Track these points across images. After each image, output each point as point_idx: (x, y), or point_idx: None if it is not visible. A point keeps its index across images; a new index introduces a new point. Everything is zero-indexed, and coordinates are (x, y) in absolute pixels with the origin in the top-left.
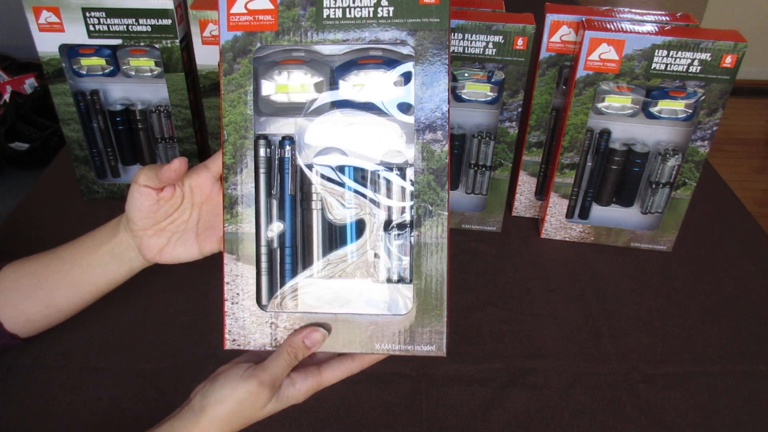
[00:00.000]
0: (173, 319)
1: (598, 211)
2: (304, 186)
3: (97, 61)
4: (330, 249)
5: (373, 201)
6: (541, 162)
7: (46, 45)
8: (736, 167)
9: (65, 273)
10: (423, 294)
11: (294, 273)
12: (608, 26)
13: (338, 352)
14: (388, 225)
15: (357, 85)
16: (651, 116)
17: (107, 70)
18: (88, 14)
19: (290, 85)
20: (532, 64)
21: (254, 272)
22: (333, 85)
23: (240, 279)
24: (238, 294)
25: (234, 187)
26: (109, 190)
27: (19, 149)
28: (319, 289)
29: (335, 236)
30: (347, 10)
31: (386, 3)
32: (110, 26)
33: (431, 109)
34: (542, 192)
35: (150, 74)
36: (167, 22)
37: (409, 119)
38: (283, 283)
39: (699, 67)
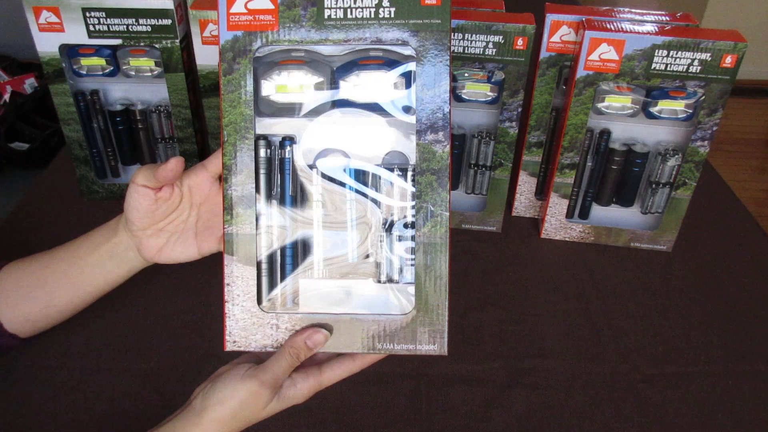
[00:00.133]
0: (173, 319)
1: (598, 211)
2: (304, 187)
3: (97, 61)
4: (331, 249)
5: (374, 201)
6: (541, 162)
7: (46, 45)
8: (736, 167)
9: (64, 273)
10: (424, 293)
11: (295, 274)
12: (608, 26)
13: (340, 352)
14: (389, 225)
15: (358, 86)
16: (651, 116)
17: (107, 70)
18: (88, 14)
19: (290, 85)
20: (532, 64)
21: (255, 273)
22: (333, 85)
23: (240, 280)
24: (238, 295)
25: (234, 188)
26: (109, 190)
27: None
28: (321, 290)
29: (336, 237)
30: (348, 10)
31: (387, 4)
32: (110, 26)
33: (432, 110)
34: (542, 192)
35: (150, 74)
36: (167, 22)
37: (411, 120)
38: (284, 284)
39: (699, 67)
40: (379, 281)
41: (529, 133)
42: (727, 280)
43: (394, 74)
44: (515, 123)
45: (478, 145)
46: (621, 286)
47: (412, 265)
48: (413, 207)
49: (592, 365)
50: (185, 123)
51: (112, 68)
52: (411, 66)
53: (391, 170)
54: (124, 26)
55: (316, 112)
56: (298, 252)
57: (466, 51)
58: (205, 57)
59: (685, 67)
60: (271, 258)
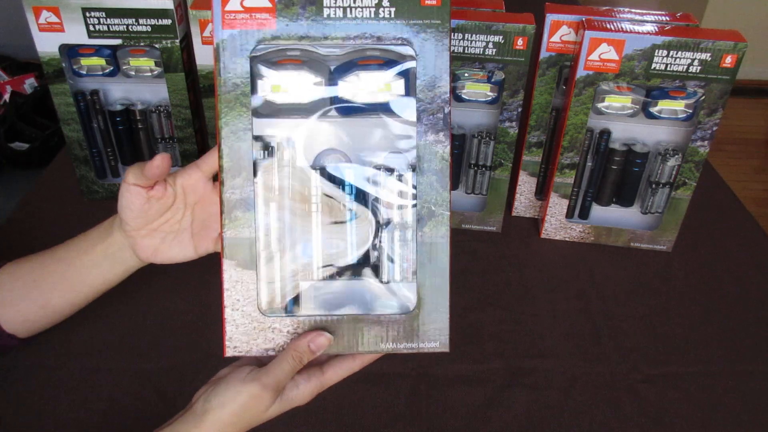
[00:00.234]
0: (173, 319)
1: (598, 211)
2: (303, 188)
3: (97, 61)
4: (331, 251)
5: (374, 202)
6: (541, 162)
7: (46, 45)
8: (736, 167)
9: (61, 273)
10: (426, 293)
11: (295, 277)
12: (608, 26)
13: (344, 353)
14: (389, 225)
15: (357, 86)
16: (651, 116)
17: (107, 70)
18: (88, 14)
19: (288, 85)
20: (532, 64)
21: (254, 277)
22: (332, 85)
23: (240, 285)
24: (238, 300)
25: (232, 191)
26: (109, 190)
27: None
28: (322, 292)
29: (336, 238)
30: (348, 9)
31: (387, 3)
32: (110, 26)
33: (433, 111)
34: (542, 192)
35: (150, 74)
36: (167, 22)
37: (411, 120)
38: (284, 288)
39: (699, 67)
40: (381, 281)
41: (529, 133)
42: (727, 280)
43: (394, 74)
44: (515, 123)
45: (478, 145)
46: (621, 286)
47: (413, 265)
48: (413, 207)
49: (592, 365)
50: (185, 123)
51: (112, 68)
52: (411, 66)
53: (392, 170)
54: (124, 26)
55: (314, 112)
56: (298, 255)
57: (466, 51)
58: (205, 57)
59: (685, 67)
60: (270, 261)
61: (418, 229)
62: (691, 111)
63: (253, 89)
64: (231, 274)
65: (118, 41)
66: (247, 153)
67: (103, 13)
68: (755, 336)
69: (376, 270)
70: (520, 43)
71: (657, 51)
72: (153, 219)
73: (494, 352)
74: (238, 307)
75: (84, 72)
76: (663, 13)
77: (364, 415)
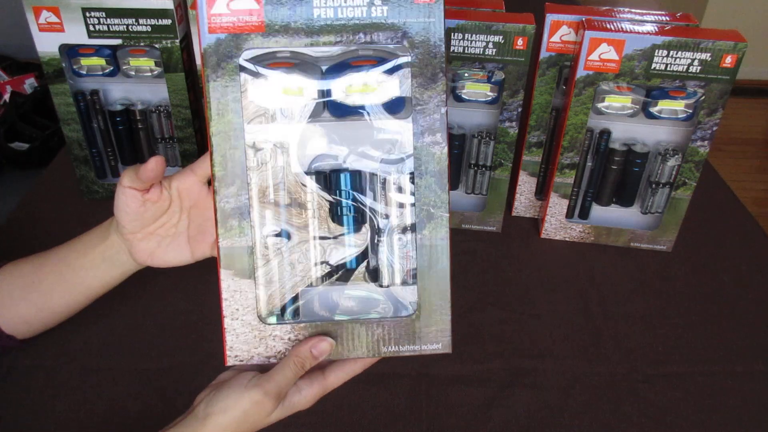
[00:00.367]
0: (173, 319)
1: (598, 211)
2: (299, 193)
3: (97, 61)
4: (330, 256)
5: (372, 205)
6: (541, 162)
7: (46, 45)
8: (736, 167)
9: (59, 275)
10: (427, 295)
11: (294, 283)
12: (608, 26)
13: (346, 358)
14: (388, 229)
15: (349, 88)
16: (651, 116)
17: (107, 70)
18: (88, 14)
19: (280, 89)
20: (532, 64)
21: (253, 286)
22: (325, 88)
23: (239, 294)
24: (237, 309)
25: (226, 199)
26: (109, 190)
27: (19, 149)
28: (322, 298)
29: (335, 243)
30: (339, 9)
31: (380, 2)
32: (110, 26)
33: (429, 112)
34: (542, 192)
35: (150, 74)
36: (167, 22)
37: (407, 121)
38: (283, 294)
39: (699, 67)
40: (381, 285)
41: (529, 133)
42: (727, 280)
43: (388, 75)
44: (515, 123)
45: (478, 145)
46: (621, 286)
47: (413, 267)
48: (413, 208)
49: (592, 365)
50: (185, 123)
51: (112, 68)
52: (405, 66)
53: (388, 173)
54: (124, 26)
55: (307, 116)
56: (296, 261)
57: (466, 51)
58: None
59: (685, 67)
60: (268, 269)
61: (418, 232)
62: (691, 111)
63: (244, 95)
64: (229, 283)
65: (118, 41)
66: (239, 160)
67: (103, 13)
68: (755, 336)
69: (376, 274)
70: (520, 43)
71: (657, 51)
72: (149, 222)
73: (494, 352)
74: (238, 316)
75: (84, 72)
76: (663, 13)
77: (364, 415)
